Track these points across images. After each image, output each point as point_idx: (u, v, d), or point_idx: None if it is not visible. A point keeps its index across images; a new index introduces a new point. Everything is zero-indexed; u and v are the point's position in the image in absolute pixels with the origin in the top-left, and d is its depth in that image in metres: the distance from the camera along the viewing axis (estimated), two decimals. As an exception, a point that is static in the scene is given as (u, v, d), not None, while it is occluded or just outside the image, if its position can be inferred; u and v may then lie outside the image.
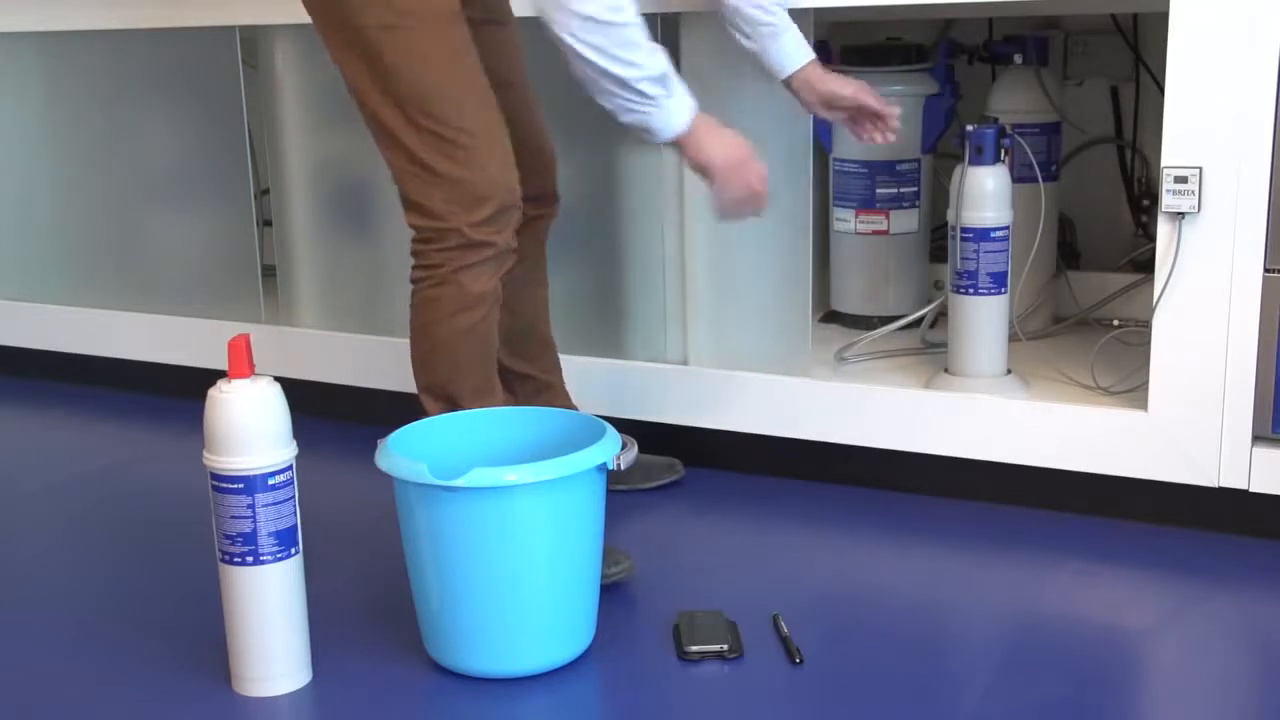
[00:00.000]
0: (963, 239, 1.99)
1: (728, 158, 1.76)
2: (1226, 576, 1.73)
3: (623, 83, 1.67)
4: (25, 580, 1.86)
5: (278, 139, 2.46)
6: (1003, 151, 1.99)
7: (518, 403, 1.95)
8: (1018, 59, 2.28)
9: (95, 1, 2.52)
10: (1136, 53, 2.38)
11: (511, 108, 1.83)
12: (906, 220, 2.34)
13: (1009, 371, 2.02)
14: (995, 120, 2.02)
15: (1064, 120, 2.32)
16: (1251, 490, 1.78)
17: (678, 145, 1.76)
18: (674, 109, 1.71)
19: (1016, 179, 2.27)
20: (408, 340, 1.77)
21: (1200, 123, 1.73)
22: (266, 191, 2.56)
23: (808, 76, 1.92)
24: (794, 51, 1.91)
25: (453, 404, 1.76)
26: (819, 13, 1.98)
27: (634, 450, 2.08)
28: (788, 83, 1.93)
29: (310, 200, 2.47)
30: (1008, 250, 1.98)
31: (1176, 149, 1.74)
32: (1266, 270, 1.73)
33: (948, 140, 2.48)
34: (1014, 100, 2.28)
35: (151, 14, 2.47)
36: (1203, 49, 1.71)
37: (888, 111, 1.95)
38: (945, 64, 2.35)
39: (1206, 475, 1.80)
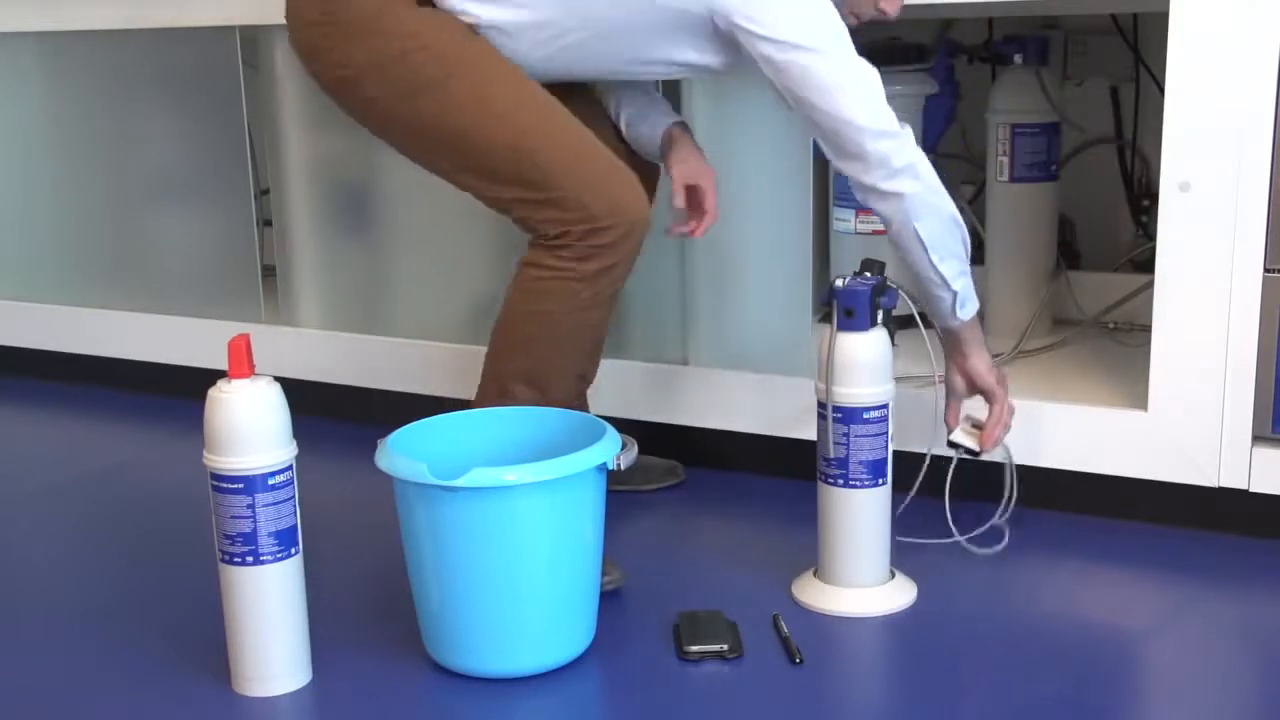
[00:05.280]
0: (833, 420, 1.64)
1: (1002, 381, 1.75)
2: (1226, 576, 1.73)
3: (960, 226, 1.64)
4: (25, 580, 1.86)
5: (278, 139, 2.46)
6: (880, 312, 1.63)
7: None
8: (1018, 59, 2.28)
9: (95, 1, 2.52)
10: (1136, 53, 2.38)
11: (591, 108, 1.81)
12: (906, 220, 2.34)
13: (893, 575, 1.71)
14: (870, 272, 1.66)
15: (1064, 120, 2.32)
16: (1251, 490, 1.78)
17: (962, 347, 1.72)
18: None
19: (1018, 179, 2.29)
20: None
21: (1200, 124, 1.73)
22: (266, 191, 2.56)
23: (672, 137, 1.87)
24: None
25: (543, 393, 1.74)
26: (819, 13, 1.98)
27: (634, 450, 2.08)
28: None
29: (310, 200, 2.47)
30: (886, 433, 1.65)
31: (1177, 151, 1.74)
32: (1266, 270, 1.73)
33: (948, 140, 2.48)
34: (1014, 100, 2.28)
35: (151, 14, 2.47)
36: (1203, 49, 1.71)
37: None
38: (945, 64, 2.35)
39: (1206, 475, 1.80)
